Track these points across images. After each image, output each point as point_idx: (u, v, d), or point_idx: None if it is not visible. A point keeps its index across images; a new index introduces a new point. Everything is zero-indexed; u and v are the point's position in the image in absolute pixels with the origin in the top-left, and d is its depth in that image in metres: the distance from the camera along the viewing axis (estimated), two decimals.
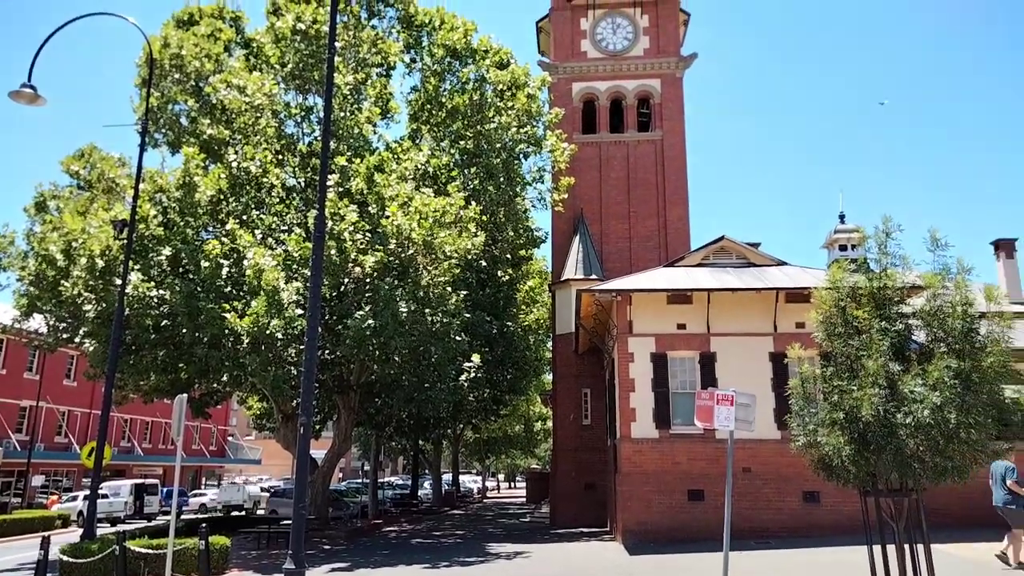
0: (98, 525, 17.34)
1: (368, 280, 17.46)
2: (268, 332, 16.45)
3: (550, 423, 35.71)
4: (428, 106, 25.30)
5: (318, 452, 33.72)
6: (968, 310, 9.07)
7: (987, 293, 9.12)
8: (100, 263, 18.11)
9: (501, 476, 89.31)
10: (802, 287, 17.70)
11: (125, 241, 16.65)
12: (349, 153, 20.81)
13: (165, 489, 39.95)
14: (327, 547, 20.31)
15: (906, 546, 9.19)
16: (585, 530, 23.59)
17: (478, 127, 24.09)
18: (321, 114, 17.45)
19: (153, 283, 18.23)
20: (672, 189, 28.04)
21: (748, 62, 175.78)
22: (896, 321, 9.43)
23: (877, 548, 9.32)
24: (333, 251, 17.07)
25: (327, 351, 18.96)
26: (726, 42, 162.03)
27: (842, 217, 25.73)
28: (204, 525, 15.22)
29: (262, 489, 46.26)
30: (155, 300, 18.13)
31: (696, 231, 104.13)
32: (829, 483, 9.95)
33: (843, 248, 23.09)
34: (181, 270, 18.85)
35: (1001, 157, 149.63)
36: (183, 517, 31.22)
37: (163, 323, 18.61)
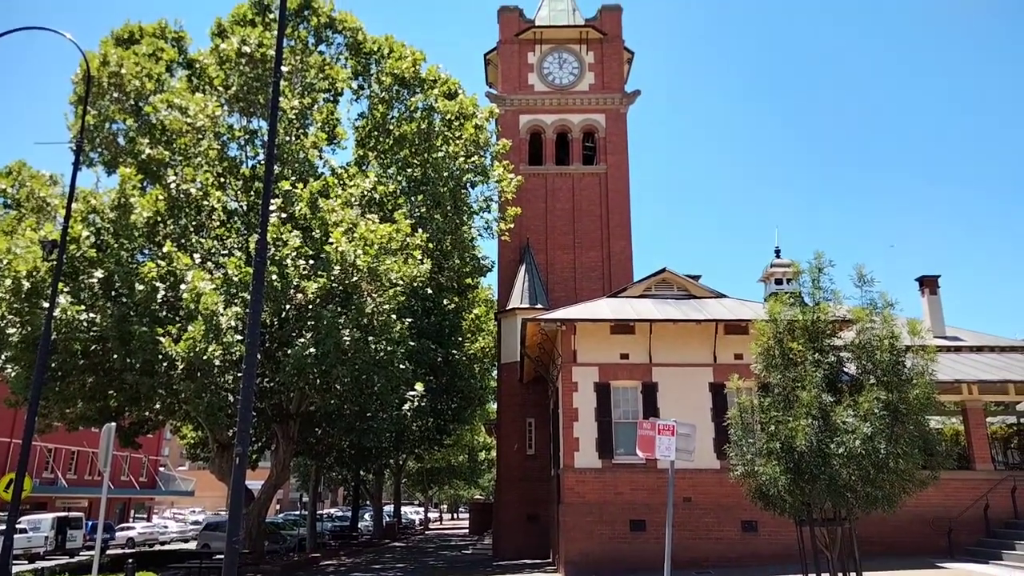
0: (15, 562, 16.35)
1: (311, 307, 17.15)
2: (205, 358, 15.95)
3: (494, 453, 35.47)
4: (375, 133, 25.25)
5: (255, 483, 32.63)
6: (894, 344, 9.46)
7: (911, 328, 9.52)
8: (26, 284, 17.32)
9: (444, 507, 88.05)
10: (741, 319, 18.16)
11: (54, 262, 15.99)
12: (294, 178, 20.54)
13: (90, 523, 38.01)
14: None
15: (839, 573, 9.41)
16: (528, 561, 23.38)
17: (425, 155, 24.12)
18: (266, 137, 17.24)
19: (83, 306, 17.52)
20: (616, 221, 28.53)
21: (692, 97, 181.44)
22: (829, 353, 9.77)
23: (814, 575, 9.51)
24: (275, 276, 16.74)
25: (266, 379, 18.49)
26: (671, 78, 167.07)
27: (778, 252, 26.55)
28: (131, 561, 14.53)
29: (193, 522, 44.66)
30: (85, 324, 17.40)
31: (639, 262, 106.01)
32: (767, 512, 10.14)
33: (779, 282, 23.82)
34: (114, 293, 18.18)
35: (931, 192, 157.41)
36: (108, 552, 29.74)
37: (92, 348, 17.86)
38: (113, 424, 11.79)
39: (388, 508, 53.21)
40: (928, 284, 24.73)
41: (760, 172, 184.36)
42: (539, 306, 25.68)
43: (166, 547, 39.78)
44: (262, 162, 22.27)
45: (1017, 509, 17.86)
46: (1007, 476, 18.66)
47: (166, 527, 45.94)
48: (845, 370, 10.05)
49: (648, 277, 22.12)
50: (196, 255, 19.52)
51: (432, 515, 77.73)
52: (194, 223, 20.47)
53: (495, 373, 31.84)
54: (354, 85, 25.88)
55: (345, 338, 16.30)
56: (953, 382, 18.95)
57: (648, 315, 19.22)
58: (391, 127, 24.94)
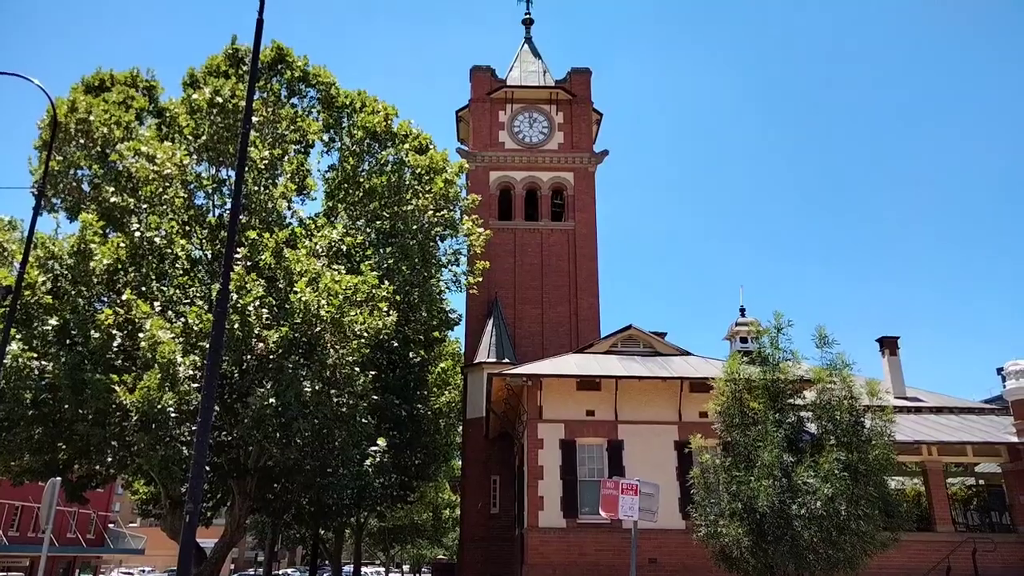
0: None
1: (272, 357, 16.82)
2: (159, 407, 15.47)
3: (459, 511, 34.71)
4: (345, 185, 25.34)
5: (208, 541, 31.38)
6: (854, 404, 9.57)
7: (870, 388, 9.64)
8: None
9: (406, 567, 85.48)
10: (705, 377, 18.23)
11: (7, 308, 15.55)
12: (261, 227, 20.43)
13: None
14: None
15: None
16: None
17: (395, 208, 24.22)
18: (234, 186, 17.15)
19: (36, 353, 16.98)
20: (583, 277, 28.79)
21: (660, 156, 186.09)
22: (789, 413, 9.84)
23: None
24: (236, 324, 16.44)
25: (224, 432, 17.97)
26: (638, 137, 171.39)
27: (742, 311, 26.98)
28: None
29: None
30: (36, 372, 16.83)
31: (606, 317, 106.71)
32: (731, 574, 10.01)
33: (743, 340, 24.09)
34: (68, 341, 17.67)
35: (894, 249, 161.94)
36: None
37: (43, 397, 17.23)
38: (58, 479, 11.31)
39: (348, 568, 51.46)
40: (888, 345, 25.20)
41: (727, 231, 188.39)
42: (506, 360, 25.57)
43: None
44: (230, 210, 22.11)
45: (978, 571, 17.88)
46: (967, 538, 18.74)
47: None
48: (806, 430, 10.10)
49: (614, 333, 22.24)
50: (156, 303, 19.15)
51: (393, 575, 75.37)
52: (156, 271, 20.13)
53: (460, 428, 31.41)
54: (325, 138, 26.06)
55: (306, 389, 15.97)
56: (913, 443, 19.15)
57: (614, 371, 19.24)
58: (361, 179, 25.07)
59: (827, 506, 8.77)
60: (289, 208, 24.06)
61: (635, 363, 20.21)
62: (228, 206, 22.54)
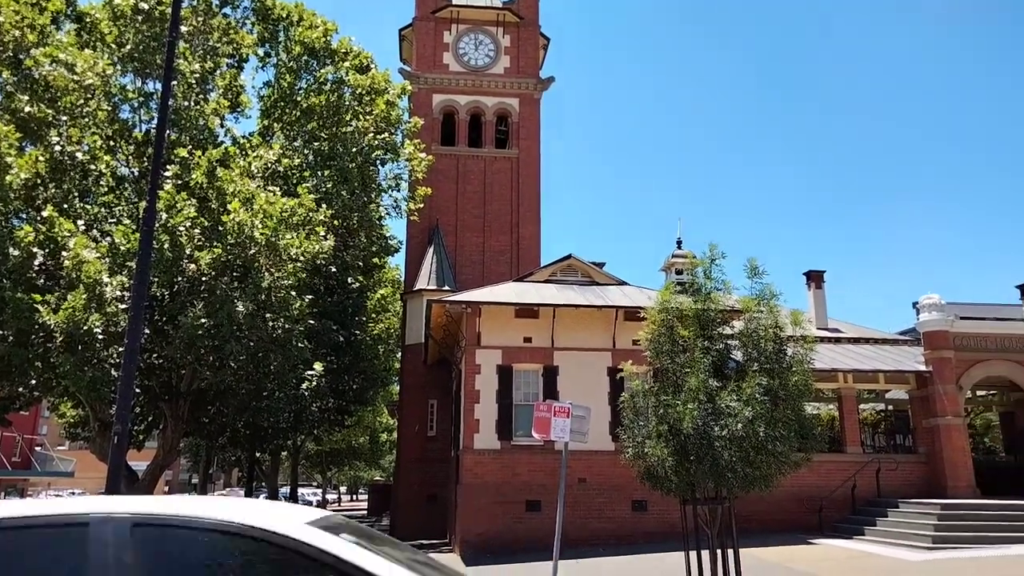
0: None
1: (204, 279, 16.41)
2: (86, 328, 15.02)
3: (396, 434, 35.25)
4: (282, 103, 24.37)
5: (141, 464, 31.13)
6: (778, 333, 9.97)
7: (793, 318, 10.05)
8: None
9: (343, 488, 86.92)
10: (639, 306, 18.68)
11: None
12: (191, 145, 19.56)
13: None
14: None
15: (718, 550, 9.89)
16: (425, 542, 23.41)
17: (334, 129, 23.48)
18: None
19: None
20: (526, 206, 28.74)
21: (603, 87, 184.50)
22: (717, 341, 10.20)
23: (694, 552, 9.96)
24: (166, 245, 15.92)
25: (154, 354, 17.61)
26: (583, 68, 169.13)
27: (679, 243, 27.51)
28: None
29: None
30: None
31: (547, 246, 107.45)
32: (655, 492, 10.53)
33: (679, 272, 24.67)
34: None
35: (813, 193, 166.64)
36: None
37: None
38: None
39: (284, 490, 52.00)
40: (815, 278, 26.21)
41: (667, 164, 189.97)
42: (446, 288, 25.61)
43: None
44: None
45: (880, 489, 19.31)
46: (873, 459, 20.14)
47: None
48: (732, 357, 10.51)
49: (554, 263, 22.46)
50: (80, 222, 18.32)
51: (331, 497, 76.63)
52: (79, 188, 19.18)
53: (399, 354, 31.58)
54: (260, 52, 24.87)
55: (240, 311, 15.69)
56: (830, 370, 20.25)
57: (552, 300, 19.52)
58: (299, 98, 24.13)
59: (747, 428, 9.21)
60: (222, 126, 23.07)
61: (573, 292, 20.53)
62: (156, 121, 21.47)
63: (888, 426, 24.65)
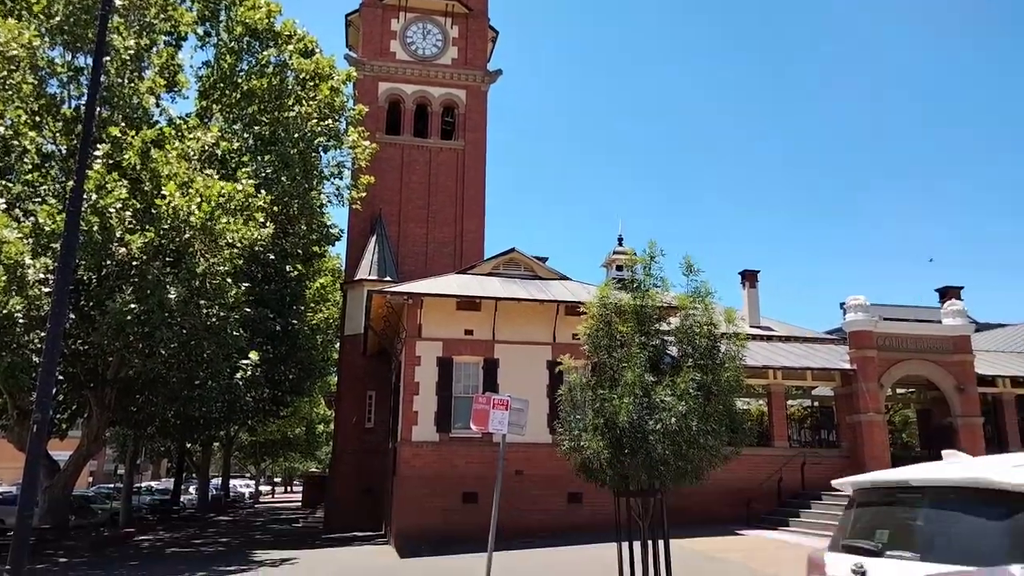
0: None
1: (135, 263, 15.86)
2: (6, 312, 14.35)
3: (333, 426, 34.83)
4: (221, 84, 23.70)
5: (64, 453, 29.93)
6: (712, 330, 10.22)
7: (727, 316, 10.31)
8: None
9: (278, 480, 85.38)
10: (579, 301, 18.87)
11: None
12: (124, 124, 18.86)
13: None
14: (64, 560, 18.10)
15: (650, 541, 10.10)
16: (360, 534, 23.24)
17: (276, 114, 22.98)
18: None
19: None
20: (470, 199, 28.68)
21: (551, 82, 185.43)
22: (654, 337, 10.38)
23: (627, 543, 10.15)
24: (95, 227, 15.32)
25: (79, 340, 16.97)
26: (531, 62, 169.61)
27: (620, 240, 27.86)
28: None
29: None
30: None
31: (491, 238, 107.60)
32: (590, 484, 10.68)
33: (619, 268, 25.01)
34: None
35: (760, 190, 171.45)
36: None
37: None
38: None
39: (216, 481, 50.77)
40: (749, 277, 26.97)
41: (611, 161, 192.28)
42: (388, 279, 25.37)
43: None
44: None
45: (805, 482, 20.05)
46: (799, 453, 20.90)
47: None
48: (668, 353, 10.73)
49: (498, 256, 22.50)
50: (1, 200, 17.48)
51: (264, 489, 75.16)
52: (1, 164, 18.29)
53: (338, 345, 31.16)
54: (200, 31, 24.15)
55: (172, 297, 15.23)
56: (761, 367, 20.91)
57: (495, 293, 19.56)
58: (239, 80, 23.52)
59: (680, 422, 9.41)
60: (157, 105, 22.36)
61: (515, 285, 20.62)
62: (86, 97, 20.59)
63: (814, 422, 25.60)
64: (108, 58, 19.20)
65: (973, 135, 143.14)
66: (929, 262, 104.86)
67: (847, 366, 21.47)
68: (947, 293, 28.87)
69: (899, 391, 25.92)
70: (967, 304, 23.40)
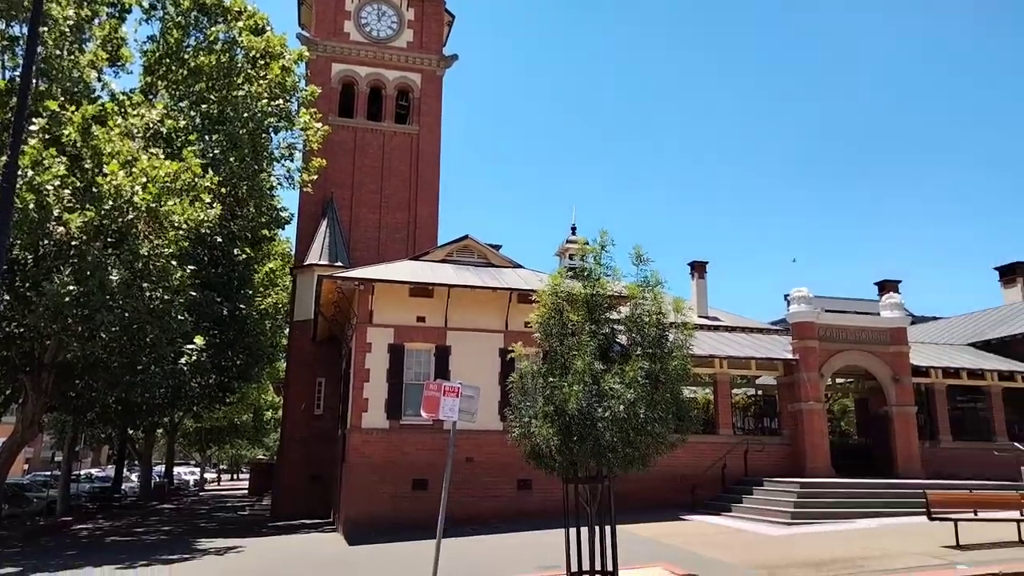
0: None
1: (74, 243, 15.30)
2: None
3: (281, 412, 34.31)
4: (167, 60, 22.99)
5: None
6: (661, 319, 10.39)
7: (676, 306, 10.50)
8: None
9: (224, 467, 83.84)
10: (531, 289, 18.96)
11: None
12: (64, 98, 18.13)
13: None
14: None
15: (597, 527, 10.27)
16: (308, 522, 23.02)
17: (224, 92, 22.40)
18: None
19: None
20: (424, 184, 28.47)
21: (504, 71, 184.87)
22: (604, 325, 10.51)
23: (574, 529, 10.29)
24: (31, 205, 14.73)
25: (14, 322, 16.33)
26: (489, 48, 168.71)
27: (573, 229, 28.12)
28: None
29: None
30: None
31: (444, 223, 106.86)
32: (539, 471, 10.78)
33: (572, 257, 25.23)
34: None
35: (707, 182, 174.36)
36: None
37: None
38: None
39: (159, 469, 49.63)
40: (698, 268, 27.49)
41: (566, 152, 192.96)
42: (339, 264, 25.05)
43: None
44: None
45: (748, 468, 20.60)
46: (743, 440, 21.46)
47: None
48: (618, 341, 10.87)
49: (451, 243, 22.42)
50: None
51: (210, 476, 73.74)
52: None
53: (287, 330, 30.67)
54: (145, 3, 23.35)
55: (113, 279, 14.75)
56: (708, 356, 21.36)
57: (447, 280, 19.50)
58: (186, 56, 22.84)
59: (629, 410, 9.55)
60: (99, 79, 21.57)
61: (468, 272, 20.59)
62: (21, 68, 19.72)
63: (757, 410, 26.30)
64: (46, 28, 18.42)
65: (920, 132, 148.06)
66: (792, 262, 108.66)
67: (790, 356, 22.08)
68: (885, 286, 29.93)
69: (839, 381, 26.79)
70: (905, 297, 24.28)
